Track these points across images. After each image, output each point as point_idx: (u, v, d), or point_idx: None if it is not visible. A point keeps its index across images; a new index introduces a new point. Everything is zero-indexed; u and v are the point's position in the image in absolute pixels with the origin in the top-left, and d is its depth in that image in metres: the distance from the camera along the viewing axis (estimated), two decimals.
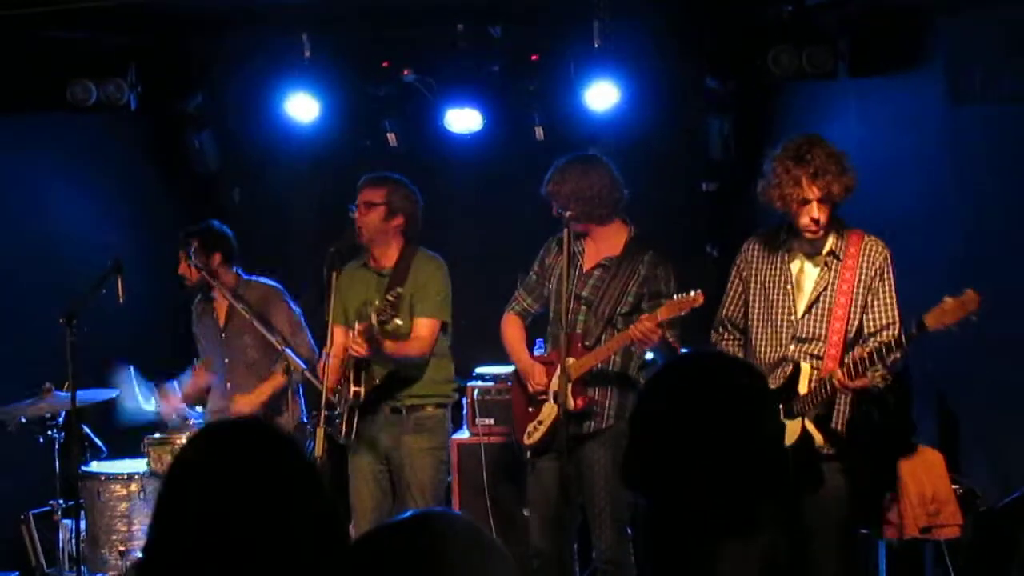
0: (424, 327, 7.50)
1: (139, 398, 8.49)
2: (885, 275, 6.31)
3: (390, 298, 7.01)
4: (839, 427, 6.35)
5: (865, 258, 6.31)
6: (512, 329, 7.59)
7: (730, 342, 6.71)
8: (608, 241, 7.32)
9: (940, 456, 7.43)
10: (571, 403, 6.99)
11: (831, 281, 6.34)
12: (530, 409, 7.35)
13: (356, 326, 7.28)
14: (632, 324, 6.88)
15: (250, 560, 2.60)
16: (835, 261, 6.35)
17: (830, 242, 6.36)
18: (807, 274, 6.42)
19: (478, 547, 2.23)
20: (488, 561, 2.21)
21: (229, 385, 8.40)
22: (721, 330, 6.76)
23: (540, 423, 7.22)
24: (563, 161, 7.31)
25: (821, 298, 6.35)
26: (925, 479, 7.35)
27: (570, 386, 6.99)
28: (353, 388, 7.37)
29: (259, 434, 2.82)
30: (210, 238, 8.35)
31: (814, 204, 6.21)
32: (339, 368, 7.49)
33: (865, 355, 5.96)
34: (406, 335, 7.47)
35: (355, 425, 7.44)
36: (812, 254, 6.40)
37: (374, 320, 7.06)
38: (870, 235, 6.38)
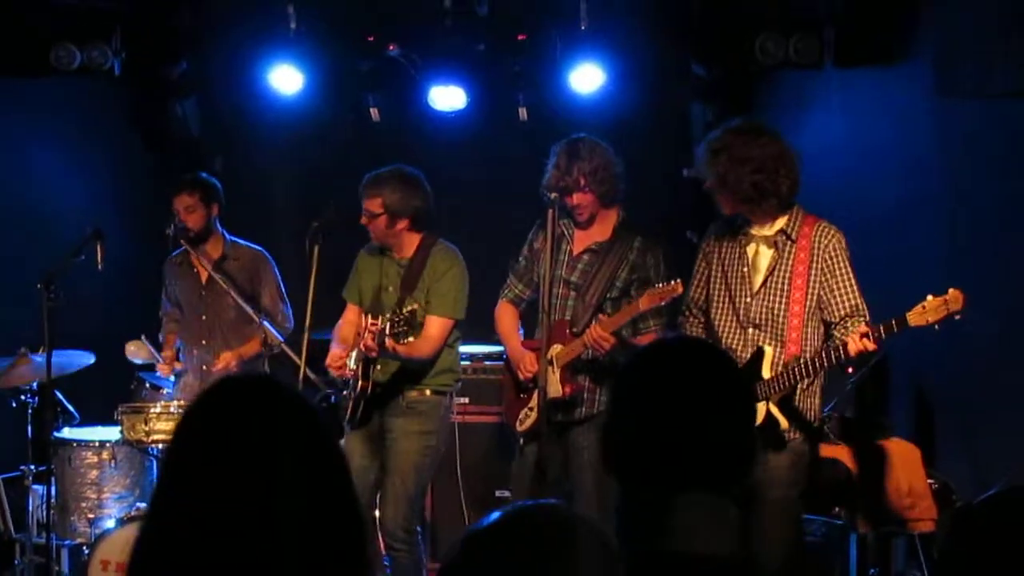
0: (436, 326, 7.27)
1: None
2: (840, 259, 6.26)
3: (405, 314, 6.85)
4: (804, 412, 6.32)
5: (817, 240, 6.28)
6: (505, 317, 7.44)
7: (694, 325, 6.70)
8: (598, 225, 7.18)
9: (917, 450, 7.45)
10: (558, 390, 6.95)
11: (783, 260, 6.33)
12: (522, 395, 7.23)
13: (368, 321, 7.13)
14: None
15: (265, 529, 2.50)
16: (787, 241, 6.33)
17: (781, 221, 6.36)
18: (762, 255, 6.41)
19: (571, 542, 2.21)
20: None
21: (205, 342, 8.39)
22: (687, 313, 6.75)
23: (531, 409, 7.07)
24: (576, 138, 7.07)
25: (775, 275, 6.33)
26: (901, 472, 7.37)
27: (558, 372, 6.96)
28: (361, 383, 7.26)
29: (271, 389, 2.64)
30: (210, 189, 8.30)
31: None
32: (352, 344, 7.41)
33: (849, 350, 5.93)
34: (420, 325, 7.19)
35: (359, 412, 7.34)
36: (764, 237, 6.39)
37: (388, 329, 6.93)
38: (824, 220, 6.35)
